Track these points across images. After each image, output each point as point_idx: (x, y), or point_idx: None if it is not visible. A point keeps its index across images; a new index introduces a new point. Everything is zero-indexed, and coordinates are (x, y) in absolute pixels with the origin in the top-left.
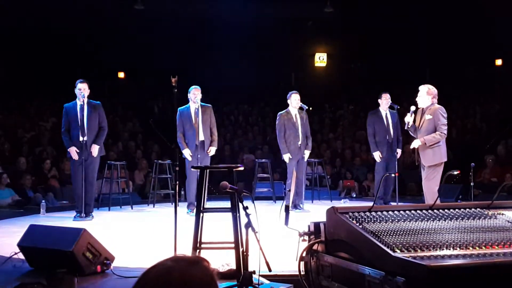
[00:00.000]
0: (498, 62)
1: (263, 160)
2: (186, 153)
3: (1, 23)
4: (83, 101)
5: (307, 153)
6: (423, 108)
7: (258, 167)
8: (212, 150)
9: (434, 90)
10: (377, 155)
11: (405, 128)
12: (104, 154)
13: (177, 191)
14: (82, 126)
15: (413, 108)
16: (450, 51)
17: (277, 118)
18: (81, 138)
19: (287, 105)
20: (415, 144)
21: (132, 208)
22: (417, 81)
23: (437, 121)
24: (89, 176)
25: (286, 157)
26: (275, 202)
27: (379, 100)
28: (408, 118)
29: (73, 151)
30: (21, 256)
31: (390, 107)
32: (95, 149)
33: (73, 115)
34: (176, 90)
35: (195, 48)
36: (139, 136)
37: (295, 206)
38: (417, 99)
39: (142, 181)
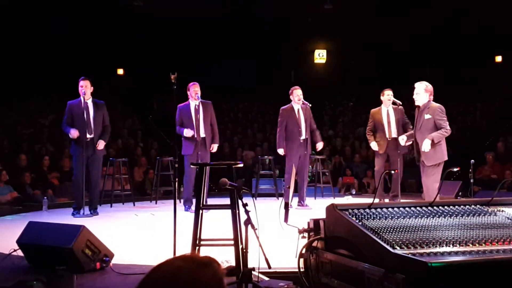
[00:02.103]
0: (498, 58)
1: (267, 156)
2: (189, 133)
3: (1, 22)
4: (85, 98)
5: (320, 145)
6: (419, 107)
7: (260, 164)
8: (215, 147)
9: (431, 87)
10: (374, 146)
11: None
12: (105, 154)
13: (176, 188)
14: (88, 124)
15: (406, 134)
16: (450, 48)
17: (280, 112)
18: (88, 136)
19: (288, 101)
20: (425, 146)
21: (134, 205)
22: (417, 78)
23: (438, 120)
24: (94, 173)
25: (280, 151)
26: (278, 199)
27: (381, 98)
28: (402, 142)
29: (75, 131)
30: (20, 253)
31: (393, 103)
32: (101, 144)
33: (78, 113)
34: (175, 87)
35: (194, 45)
36: (138, 133)
37: (300, 203)
38: (414, 96)
39: (141, 178)
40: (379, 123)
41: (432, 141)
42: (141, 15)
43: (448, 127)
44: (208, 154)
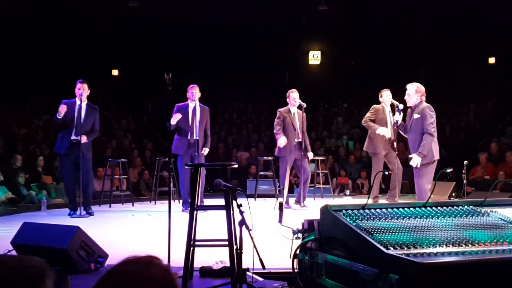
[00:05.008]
0: (491, 60)
1: (266, 157)
2: (177, 116)
3: None
4: (81, 101)
5: (310, 155)
6: (411, 107)
7: (254, 164)
8: (206, 151)
9: (422, 88)
10: (383, 130)
11: (395, 127)
12: (91, 156)
13: (170, 188)
14: (78, 125)
15: (401, 106)
16: (443, 49)
17: (277, 114)
18: (73, 137)
19: (284, 102)
20: (414, 161)
21: (133, 205)
22: (411, 80)
23: (424, 121)
24: (83, 175)
25: (282, 140)
26: (277, 200)
27: (380, 98)
28: (397, 117)
29: (63, 106)
30: (14, 254)
31: (391, 105)
32: (84, 138)
33: (71, 113)
34: (170, 88)
35: (189, 46)
36: (133, 133)
37: (299, 203)
38: (405, 98)
39: (136, 178)
40: (383, 121)
41: (424, 155)
42: (136, 16)
43: (431, 130)
44: (202, 157)
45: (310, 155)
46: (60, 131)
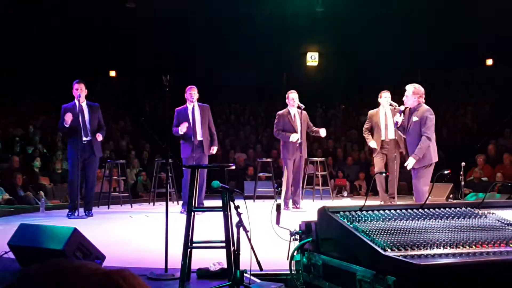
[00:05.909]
0: (489, 62)
1: (265, 159)
2: (184, 126)
3: None
4: (80, 101)
5: (323, 132)
6: (410, 109)
7: (252, 166)
8: (214, 149)
9: (420, 89)
10: (373, 144)
11: (395, 128)
12: (102, 156)
13: (168, 190)
14: (84, 126)
15: (402, 107)
16: (441, 51)
17: (276, 117)
18: (84, 138)
19: (281, 104)
20: (409, 164)
21: (132, 206)
22: (408, 81)
23: (423, 124)
24: (91, 175)
25: (294, 137)
26: (277, 201)
27: (379, 99)
28: (398, 118)
29: (68, 115)
30: (11, 255)
31: (390, 105)
32: (100, 136)
33: (74, 116)
34: (167, 89)
35: (186, 47)
36: (130, 135)
37: (294, 204)
38: (403, 98)
39: (133, 180)
40: (377, 125)
41: (419, 157)
42: (134, 16)
43: (428, 134)
44: (206, 157)
45: (323, 131)
46: (68, 137)
